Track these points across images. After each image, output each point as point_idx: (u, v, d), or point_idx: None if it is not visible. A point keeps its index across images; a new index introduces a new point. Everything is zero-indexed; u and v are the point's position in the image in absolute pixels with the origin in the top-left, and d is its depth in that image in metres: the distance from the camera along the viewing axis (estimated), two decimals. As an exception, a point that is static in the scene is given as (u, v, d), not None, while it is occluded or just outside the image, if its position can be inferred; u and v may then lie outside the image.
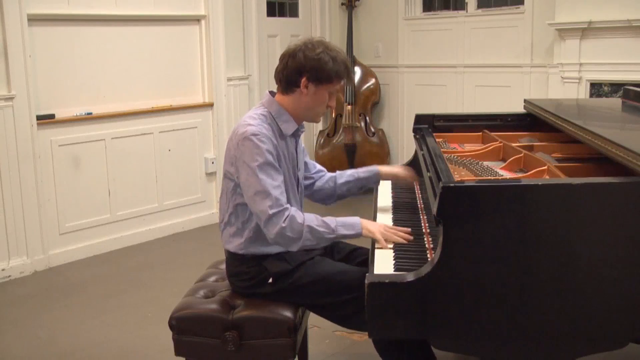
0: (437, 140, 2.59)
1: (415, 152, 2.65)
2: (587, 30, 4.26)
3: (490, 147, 2.48)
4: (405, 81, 5.63)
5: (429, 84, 5.46)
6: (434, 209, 1.68)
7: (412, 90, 5.59)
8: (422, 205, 2.36)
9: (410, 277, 1.65)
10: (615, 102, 3.09)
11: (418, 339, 1.73)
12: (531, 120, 2.81)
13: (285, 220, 1.98)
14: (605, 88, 4.33)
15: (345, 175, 2.40)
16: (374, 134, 5.57)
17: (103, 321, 3.23)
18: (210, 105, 4.83)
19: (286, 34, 5.49)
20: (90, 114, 4.16)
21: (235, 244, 2.14)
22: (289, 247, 2.03)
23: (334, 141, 5.57)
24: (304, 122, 2.21)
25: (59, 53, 4.00)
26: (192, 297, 2.21)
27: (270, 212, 1.97)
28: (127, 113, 4.33)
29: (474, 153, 2.44)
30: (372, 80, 5.59)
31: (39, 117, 3.88)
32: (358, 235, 2.06)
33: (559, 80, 4.47)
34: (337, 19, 5.89)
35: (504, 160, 2.39)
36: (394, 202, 2.50)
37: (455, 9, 5.36)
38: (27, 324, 3.22)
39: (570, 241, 1.63)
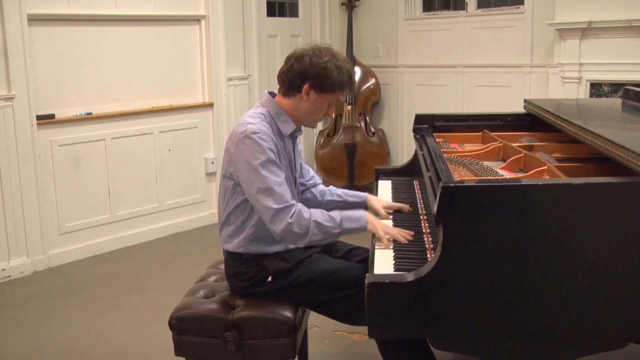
0: (437, 140, 2.59)
1: (415, 152, 2.65)
2: (587, 30, 4.26)
3: (490, 147, 2.48)
4: (405, 81, 5.62)
5: (429, 84, 5.45)
6: (434, 209, 1.68)
7: (412, 90, 5.58)
8: (422, 205, 2.36)
9: (410, 277, 1.65)
10: (615, 102, 3.09)
11: (418, 339, 1.73)
12: (531, 120, 2.81)
13: (292, 216, 1.98)
14: (605, 88, 4.33)
15: (335, 194, 2.38)
16: (374, 134, 5.57)
17: (103, 321, 3.23)
18: (210, 105, 4.83)
19: (286, 34, 5.49)
20: (90, 114, 4.16)
21: (235, 243, 2.13)
22: (296, 243, 2.03)
23: (334, 141, 5.57)
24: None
25: (59, 53, 4.00)
26: (192, 297, 2.21)
27: (276, 207, 1.97)
28: (127, 113, 4.33)
29: (474, 153, 2.44)
30: (372, 80, 5.58)
31: (39, 117, 3.89)
32: (363, 228, 2.06)
33: (559, 80, 4.47)
34: (337, 19, 5.88)
35: (504, 160, 2.39)
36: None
37: (455, 9, 5.36)
38: (27, 324, 3.22)
39: (570, 241, 1.62)
